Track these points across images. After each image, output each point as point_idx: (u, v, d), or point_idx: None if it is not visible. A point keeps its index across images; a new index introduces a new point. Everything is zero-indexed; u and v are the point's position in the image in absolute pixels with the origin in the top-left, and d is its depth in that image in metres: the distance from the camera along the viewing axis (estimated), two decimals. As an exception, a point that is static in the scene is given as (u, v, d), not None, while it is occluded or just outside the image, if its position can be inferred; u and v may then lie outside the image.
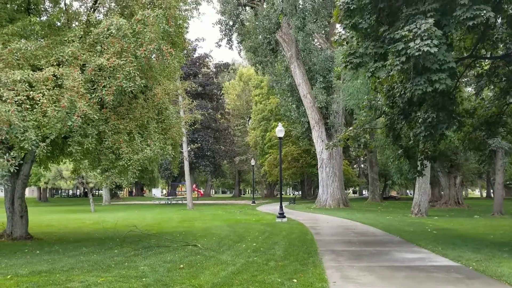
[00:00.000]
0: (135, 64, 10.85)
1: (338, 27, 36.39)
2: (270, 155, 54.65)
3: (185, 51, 31.86)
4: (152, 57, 11.63)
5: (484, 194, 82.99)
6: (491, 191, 60.74)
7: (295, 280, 7.59)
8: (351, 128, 14.21)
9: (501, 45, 13.94)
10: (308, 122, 38.44)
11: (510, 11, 8.49)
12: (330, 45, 37.62)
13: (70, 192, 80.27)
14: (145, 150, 11.83)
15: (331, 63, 36.75)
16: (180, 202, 44.56)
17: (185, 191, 41.07)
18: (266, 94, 60.68)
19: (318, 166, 37.64)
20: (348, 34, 11.04)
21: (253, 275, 8.07)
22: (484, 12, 8.53)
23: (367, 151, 45.43)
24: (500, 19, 11.51)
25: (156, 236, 14.87)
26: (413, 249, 11.77)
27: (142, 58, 10.97)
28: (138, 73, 10.92)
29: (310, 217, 24.49)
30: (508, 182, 57.38)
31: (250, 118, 70.54)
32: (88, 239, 14.64)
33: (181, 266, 9.12)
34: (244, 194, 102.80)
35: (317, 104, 36.52)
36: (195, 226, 18.67)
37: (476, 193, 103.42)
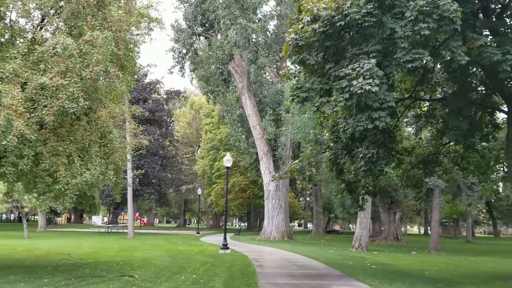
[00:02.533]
0: (79, 85, 10.52)
1: (288, 62, 37.45)
2: (218, 185, 54.23)
3: (136, 76, 31.47)
4: (99, 79, 11.34)
5: (422, 231, 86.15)
6: (428, 228, 63.20)
7: (232, 314, 7.38)
8: (297, 161, 14.42)
9: (439, 89, 14.84)
10: (257, 153, 38.69)
11: (447, 57, 9.07)
12: (280, 79, 38.51)
13: (3, 216, 75.26)
14: (85, 174, 11.34)
15: (281, 96, 37.55)
16: (121, 230, 42.91)
17: (127, 219, 39.65)
18: (217, 123, 60.71)
19: (265, 198, 37.73)
20: (296, 69, 11.35)
21: (189, 308, 7.78)
22: (423, 56, 9.05)
23: (312, 184, 46.22)
24: (438, 64, 12.26)
25: (91, 265, 14.12)
26: (351, 283, 11.88)
27: (88, 79, 10.67)
28: (82, 94, 10.59)
29: (254, 249, 24.27)
30: (444, 220, 59.99)
31: (199, 146, 70.07)
32: (17, 266, 13.66)
33: (114, 297, 8.65)
34: (189, 224, 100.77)
35: (266, 136, 36.94)
36: (134, 256, 17.94)
37: (415, 229, 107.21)
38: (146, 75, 50.79)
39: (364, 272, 14.23)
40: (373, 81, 8.67)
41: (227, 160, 22.06)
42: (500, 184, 45.29)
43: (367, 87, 8.58)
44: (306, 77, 10.71)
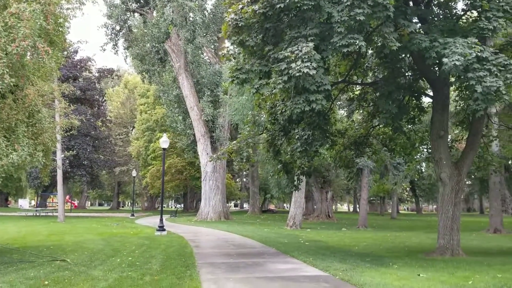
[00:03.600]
0: (4, 60, 9.81)
1: (227, 43, 37.21)
2: (153, 167, 53.25)
3: (65, 52, 29.82)
4: (26, 54, 10.64)
5: (351, 209, 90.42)
6: (357, 206, 66.47)
7: (170, 294, 7.41)
8: (235, 142, 14.51)
9: (370, 73, 15.49)
10: (194, 135, 38.39)
11: (379, 43, 9.48)
12: (219, 60, 38.25)
13: None
14: (11, 156, 10.68)
15: (219, 77, 37.33)
16: (50, 214, 41.02)
17: (57, 203, 37.96)
18: (152, 103, 59.21)
19: (202, 179, 37.68)
20: (236, 50, 11.35)
21: (126, 290, 7.70)
22: (357, 41, 9.39)
23: (249, 165, 46.78)
24: (370, 49, 12.77)
25: (19, 250, 13.44)
26: (286, 259, 12.28)
27: (14, 55, 9.96)
28: (7, 70, 9.88)
29: (191, 230, 24.29)
30: (372, 198, 63.30)
31: (133, 127, 68.08)
32: None
33: (46, 282, 8.35)
34: (123, 207, 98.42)
35: (203, 117, 36.69)
36: (65, 240, 17.29)
37: (344, 207, 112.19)
38: (76, 52, 48.21)
39: (298, 249, 14.75)
40: (311, 64, 8.89)
41: (164, 141, 21.71)
42: (423, 164, 48.51)
43: (305, 70, 8.78)
44: (246, 59, 10.74)
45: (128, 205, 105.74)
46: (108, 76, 58.90)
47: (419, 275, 9.38)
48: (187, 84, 36.79)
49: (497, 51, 10.69)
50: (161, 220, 21.34)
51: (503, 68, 9.66)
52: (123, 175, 66.72)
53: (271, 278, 9.31)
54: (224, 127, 38.37)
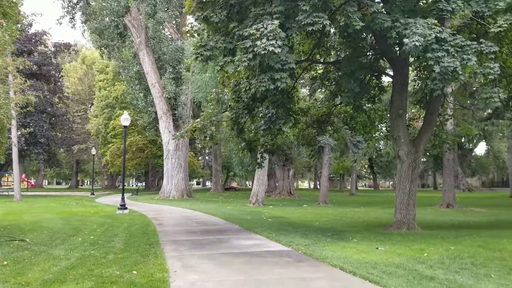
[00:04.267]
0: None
1: (190, 18, 36.48)
2: (113, 145, 52.18)
3: (19, 25, 28.36)
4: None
5: (312, 186, 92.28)
6: (318, 183, 67.89)
7: (135, 272, 7.40)
8: (198, 120, 14.41)
9: (333, 52, 15.64)
10: (156, 112, 37.76)
11: (342, 22, 9.56)
12: (181, 36, 37.47)
13: None
14: (-37, 132, 10.21)
15: (181, 54, 36.66)
16: (5, 193, 39.63)
17: (13, 181, 36.65)
18: (112, 80, 57.57)
19: (164, 157, 37.31)
20: (200, 26, 11.15)
21: (90, 269, 7.63)
22: (322, 20, 9.44)
23: (212, 143, 46.61)
24: (333, 28, 12.87)
25: (-27, 231, 12.98)
26: (250, 236, 12.48)
27: (-37, 26, 9.43)
28: (-43, 42, 9.36)
29: (153, 208, 24.14)
30: (332, 175, 64.76)
31: (92, 104, 66.10)
32: None
33: (5, 263, 8.14)
34: (82, 186, 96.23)
35: (165, 95, 36.08)
36: (23, 220, 16.81)
37: (305, 184, 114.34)
38: (31, 25, 45.81)
39: (261, 225, 14.98)
40: (276, 42, 8.88)
41: (125, 118, 21.28)
42: (382, 142, 49.96)
43: (270, 48, 8.77)
44: (210, 35, 10.59)
45: (87, 184, 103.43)
46: (65, 50, 56.55)
47: (377, 248, 9.77)
48: (148, 60, 35.93)
49: (455, 32, 11.02)
50: (123, 198, 21.08)
51: (460, 49, 9.99)
52: (81, 153, 65.06)
53: (236, 254, 9.46)
54: (187, 105, 37.92)
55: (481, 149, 69.28)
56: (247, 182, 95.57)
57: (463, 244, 10.00)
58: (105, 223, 15.43)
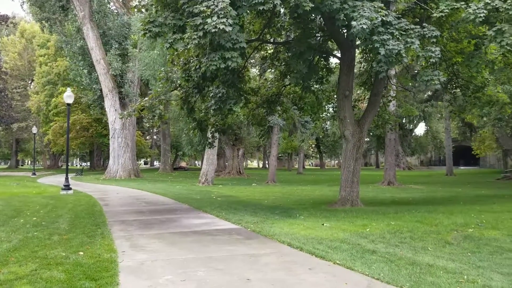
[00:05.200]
0: None
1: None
2: (56, 123, 49.99)
3: None
4: None
5: (261, 165, 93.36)
6: (267, 162, 68.72)
7: (81, 253, 7.25)
8: (146, 98, 14.10)
9: (283, 33, 15.72)
10: (101, 90, 36.45)
11: (292, 3, 9.59)
12: (128, 11, 36.15)
13: None
14: None
15: (127, 29, 35.42)
16: None
17: None
18: (54, 55, 54.68)
19: (110, 136, 36.29)
20: (148, 1, 10.81)
21: (33, 251, 7.39)
22: (273, -1, 9.41)
23: (161, 122, 45.83)
24: (283, 9, 12.90)
25: None
26: (200, 215, 12.53)
27: None
28: None
29: (99, 189, 23.57)
30: (280, 155, 65.77)
31: (32, 80, 62.63)
32: None
33: None
34: (22, 165, 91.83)
35: (111, 72, 34.85)
36: (-43, 201, 15.90)
37: (254, 164, 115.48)
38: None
39: (211, 204, 15.06)
40: (227, 20, 8.79)
41: (68, 96, 20.41)
42: (328, 122, 51.24)
43: (221, 26, 8.67)
44: (159, 11, 10.30)
45: (28, 164, 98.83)
46: (2, 23, 53.01)
47: (323, 224, 10.13)
48: (92, 35, 34.42)
49: (400, 16, 11.40)
50: (67, 178, 20.39)
51: (404, 33, 10.36)
52: (21, 131, 61.88)
53: (185, 233, 9.49)
54: (134, 83, 36.90)
55: (420, 129, 72.89)
56: (196, 162, 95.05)
57: (402, 220, 10.56)
58: (49, 204, 14.90)
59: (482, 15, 9.65)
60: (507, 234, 8.65)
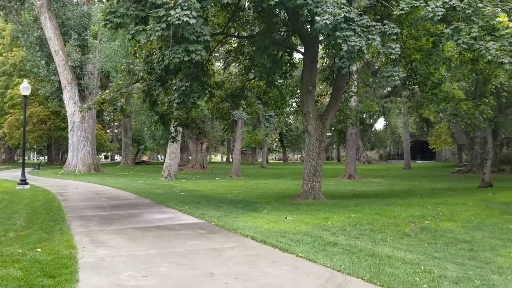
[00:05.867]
0: None
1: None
2: (11, 116, 48.04)
3: None
4: None
5: (225, 159, 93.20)
6: (230, 156, 68.68)
7: (39, 250, 7.03)
8: (107, 91, 13.76)
9: (248, 27, 15.69)
10: (59, 81, 35.27)
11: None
12: (88, 1, 35.09)
13: None
14: None
15: (87, 20, 34.39)
16: None
17: None
18: (9, 45, 52.37)
19: (69, 130, 35.26)
20: (108, -9, 10.52)
21: (-12, 248, 7.11)
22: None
23: (122, 116, 44.91)
24: (248, 2, 12.89)
25: None
26: (162, 210, 12.39)
27: None
28: None
29: (58, 183, 22.88)
30: (244, 149, 65.87)
31: (-15, 70, 59.79)
32: None
33: None
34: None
35: (70, 63, 33.78)
36: None
37: (218, 158, 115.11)
38: None
39: (174, 199, 14.92)
40: (190, 13, 8.67)
41: (24, 87, 19.66)
42: (292, 117, 51.71)
43: (185, 19, 8.55)
44: (120, 1, 10.03)
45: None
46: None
47: (286, 217, 10.25)
48: (50, 25, 33.18)
49: (362, 12, 11.61)
50: (23, 173, 19.69)
51: (366, 29, 10.56)
52: (-27, 124, 59.06)
53: (148, 228, 9.37)
54: (94, 75, 35.91)
55: (380, 124, 74.67)
56: (159, 156, 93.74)
57: (362, 212, 10.83)
58: (4, 199, 14.35)
59: (440, 13, 9.95)
60: (461, 225, 9.03)
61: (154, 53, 11.93)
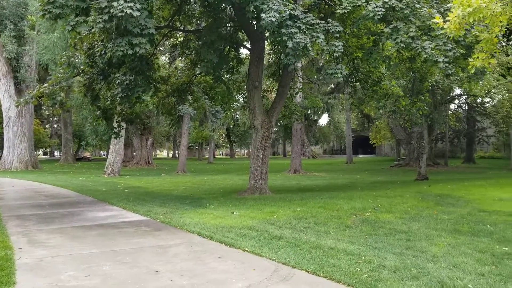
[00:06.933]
0: None
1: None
2: None
3: None
4: None
5: (171, 155, 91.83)
6: (177, 152, 67.83)
7: (-29, 252, 6.64)
8: (46, 84, 13.15)
9: (194, 21, 15.53)
10: (-8, 73, 33.21)
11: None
12: (23, -12, 33.19)
13: None
14: None
15: (24, 9, 32.56)
16: None
17: None
18: None
19: (4, 125, 33.36)
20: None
21: None
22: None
23: (62, 110, 43.02)
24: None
25: None
26: (105, 207, 12.05)
27: None
28: None
29: (-9, 181, 21.60)
30: (191, 145, 65.26)
31: None
32: None
33: None
34: None
35: (5, 54, 31.91)
36: None
37: (164, 154, 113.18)
38: None
39: (117, 196, 14.54)
40: (134, 5, 8.44)
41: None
42: (239, 112, 51.85)
43: (128, 11, 8.32)
44: (59, -9, 9.60)
45: None
46: None
47: (232, 213, 10.29)
48: (-19, 13, 31.12)
49: (306, 10, 11.84)
50: (-48, 171, 18.41)
51: (310, 27, 10.78)
52: None
53: (89, 226, 9.09)
54: (31, 67, 34.15)
55: (324, 120, 76.53)
56: (101, 152, 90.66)
57: (307, 206, 11.09)
58: None
59: (380, 13, 10.35)
60: (399, 217, 9.49)
61: (96, 46, 11.53)
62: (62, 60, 12.87)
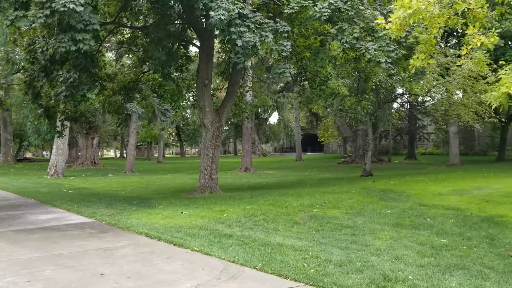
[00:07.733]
0: None
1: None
2: None
3: None
4: None
5: (118, 155, 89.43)
6: (125, 151, 66.15)
7: None
8: (-19, 80, 12.43)
9: (141, 17, 15.22)
10: None
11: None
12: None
13: None
14: None
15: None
16: None
17: None
18: None
19: None
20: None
21: None
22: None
23: (1, 109, 40.75)
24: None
25: None
26: (48, 210, 11.59)
27: None
28: None
29: None
30: (139, 144, 63.88)
31: None
32: None
33: None
34: None
35: None
36: None
37: (111, 153, 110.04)
38: None
39: (61, 198, 14.02)
40: (78, 0, 8.17)
41: None
42: (188, 110, 51.35)
43: (71, 6, 8.00)
44: (-4, -17, 9.10)
45: None
46: None
47: (182, 212, 10.21)
48: None
49: (255, 10, 11.91)
50: None
51: (259, 26, 10.86)
52: None
53: (31, 230, 8.71)
54: (-35, 62, 32.10)
55: (274, 118, 77.31)
56: (44, 152, 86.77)
57: (257, 203, 11.19)
58: None
59: (326, 14, 10.59)
60: (345, 212, 9.79)
61: (37, 41, 11.02)
62: (1, 56, 12.22)
